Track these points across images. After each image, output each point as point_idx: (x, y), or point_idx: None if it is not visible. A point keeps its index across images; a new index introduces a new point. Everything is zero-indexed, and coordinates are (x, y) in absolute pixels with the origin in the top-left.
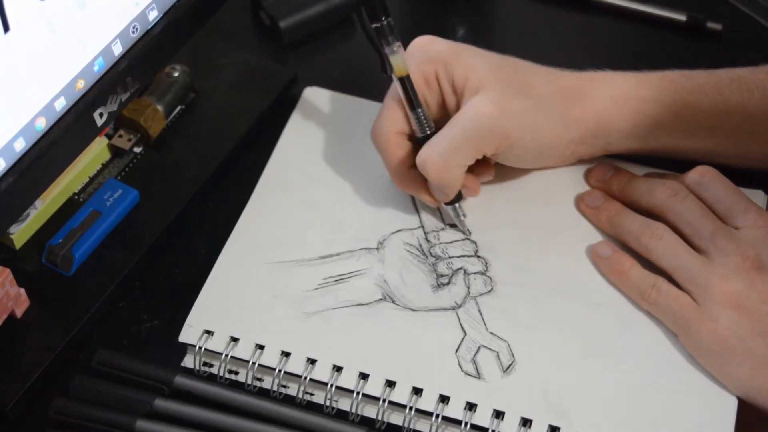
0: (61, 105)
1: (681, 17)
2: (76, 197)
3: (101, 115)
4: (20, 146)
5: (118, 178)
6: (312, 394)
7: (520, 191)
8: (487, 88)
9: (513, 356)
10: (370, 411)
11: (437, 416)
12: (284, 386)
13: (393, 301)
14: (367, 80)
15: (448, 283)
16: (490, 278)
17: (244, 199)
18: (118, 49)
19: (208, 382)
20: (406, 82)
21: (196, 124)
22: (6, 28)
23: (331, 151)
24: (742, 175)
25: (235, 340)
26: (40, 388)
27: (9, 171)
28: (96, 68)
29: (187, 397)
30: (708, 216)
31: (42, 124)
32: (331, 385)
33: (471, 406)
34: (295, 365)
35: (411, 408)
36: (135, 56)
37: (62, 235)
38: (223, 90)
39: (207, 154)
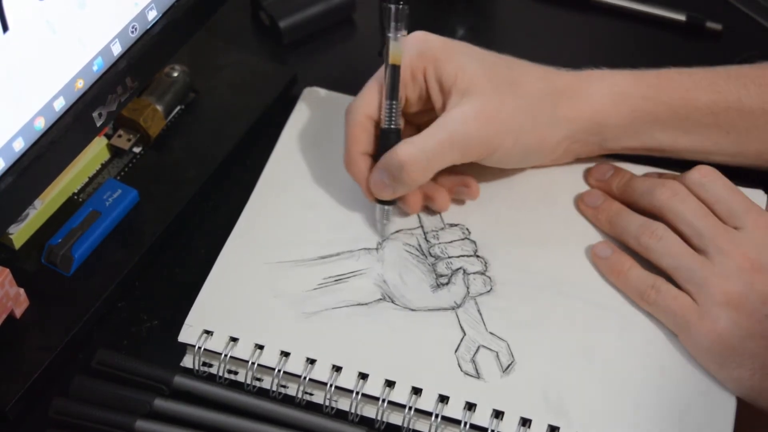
0: (60, 105)
1: (680, 17)
2: (75, 197)
3: (100, 115)
4: (19, 146)
5: (118, 178)
6: (311, 394)
7: (520, 191)
8: (474, 91)
9: (512, 356)
10: (369, 411)
11: (437, 416)
12: (284, 386)
13: (392, 301)
14: (367, 80)
15: (447, 283)
16: (490, 278)
17: (244, 199)
18: (117, 49)
19: (207, 382)
20: (395, 70)
21: (195, 124)
22: (5, 28)
23: (331, 151)
24: (742, 176)
25: (234, 340)
26: (40, 388)
27: (8, 171)
28: (95, 68)
29: (186, 397)
30: (708, 216)
31: (41, 124)
32: (331, 385)
33: (470, 406)
34: (295, 365)
35: (410, 408)
36: (134, 56)
37: (62, 235)
38: (223, 90)
39: (207, 154)
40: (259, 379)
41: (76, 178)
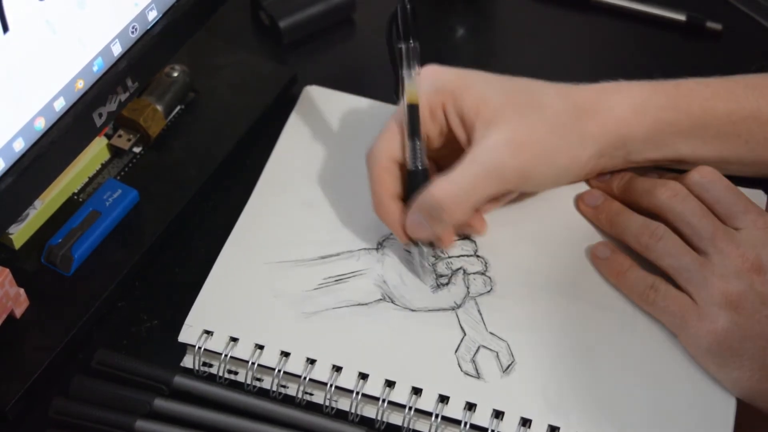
0: (60, 105)
1: (681, 17)
2: (75, 197)
3: (100, 115)
4: (19, 146)
5: (118, 178)
6: (311, 394)
7: None
8: (500, 120)
9: (512, 356)
10: (369, 411)
11: (437, 416)
12: (284, 386)
13: (392, 302)
14: (367, 80)
15: (447, 283)
16: (490, 278)
17: (244, 199)
18: (117, 50)
19: (207, 382)
20: (414, 110)
21: (195, 124)
22: (5, 29)
23: (331, 150)
24: (744, 177)
25: (234, 340)
26: (40, 388)
27: (8, 171)
28: (95, 68)
29: (186, 397)
30: (708, 216)
31: (41, 124)
32: (331, 385)
33: (470, 406)
34: (295, 365)
35: (410, 408)
36: (134, 56)
37: (62, 235)
38: (223, 90)
39: (206, 154)
40: (259, 379)
41: (76, 178)
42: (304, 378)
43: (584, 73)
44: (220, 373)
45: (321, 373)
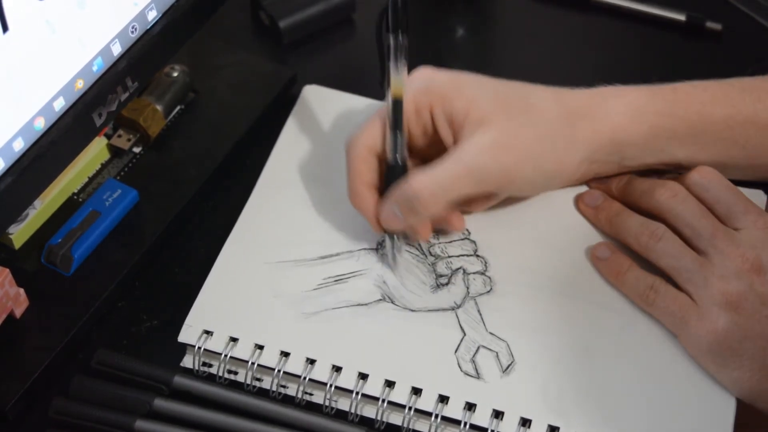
0: (60, 105)
1: (680, 17)
2: (75, 197)
3: (100, 115)
4: (19, 146)
5: (118, 178)
6: (311, 394)
7: None
8: (488, 122)
9: (512, 356)
10: (369, 411)
11: (436, 416)
12: (283, 386)
13: (392, 302)
14: (367, 80)
15: (447, 283)
16: (490, 278)
17: (244, 199)
18: (117, 49)
19: (207, 382)
20: (397, 103)
21: (195, 123)
22: (5, 28)
23: (331, 150)
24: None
25: (234, 340)
26: (40, 388)
27: (8, 171)
28: (95, 68)
29: (186, 397)
30: (708, 217)
31: (41, 124)
32: (331, 385)
33: (470, 406)
34: (295, 365)
35: (410, 408)
36: (134, 56)
37: (61, 235)
38: (223, 90)
39: (206, 153)
40: (259, 379)
41: (76, 178)
42: (304, 378)
43: (584, 73)
44: (220, 373)
45: (321, 373)
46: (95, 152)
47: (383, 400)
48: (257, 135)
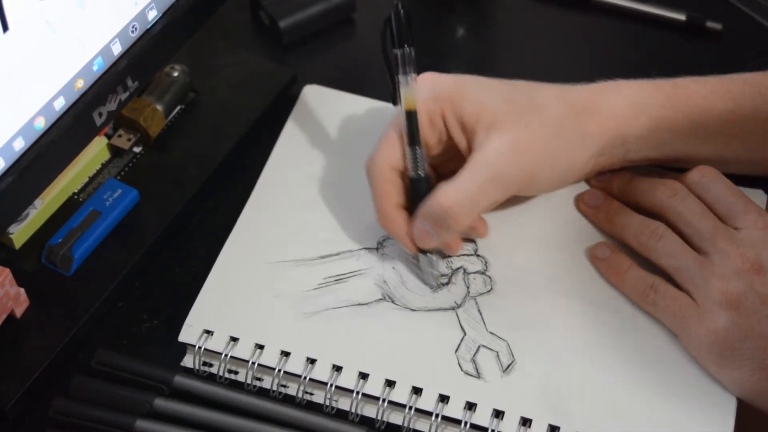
0: (60, 104)
1: (681, 17)
2: (75, 197)
3: (100, 114)
4: (19, 146)
5: (118, 177)
6: (312, 394)
7: None
8: (501, 125)
9: (512, 356)
10: (369, 411)
11: (437, 416)
12: (284, 386)
13: (392, 301)
14: (367, 80)
15: (447, 283)
16: (490, 278)
17: (244, 198)
18: (117, 49)
19: (207, 381)
20: (412, 116)
21: (195, 123)
22: (5, 28)
23: (331, 149)
24: (742, 176)
25: (234, 339)
26: (40, 388)
27: (8, 170)
28: (95, 68)
29: (186, 397)
30: (708, 216)
31: (41, 124)
32: (331, 385)
33: (471, 406)
34: (295, 365)
35: (411, 408)
36: (134, 56)
37: (62, 234)
38: (223, 90)
39: (206, 153)
40: (259, 379)
41: (76, 177)
42: (305, 378)
43: (584, 73)
44: (221, 373)
45: (321, 372)
46: (95, 152)
47: (384, 400)
48: (257, 135)
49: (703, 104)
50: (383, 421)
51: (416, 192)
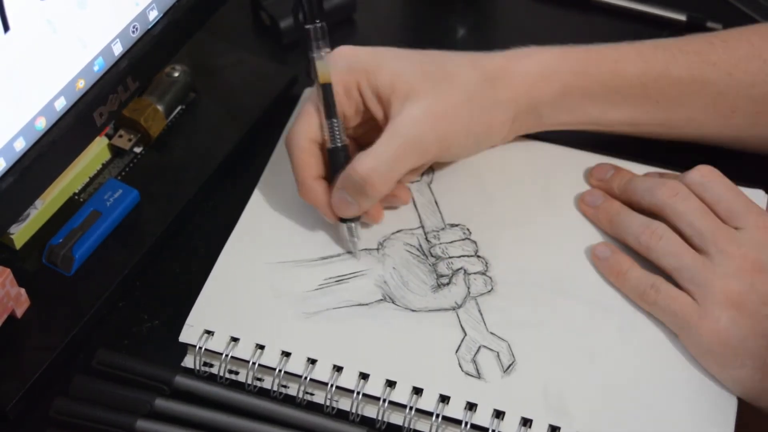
0: (61, 105)
1: (681, 17)
2: (76, 197)
3: (101, 114)
4: (20, 146)
5: (119, 178)
6: (312, 394)
7: (521, 191)
8: (415, 93)
9: (513, 356)
10: (370, 411)
11: (437, 416)
12: (284, 386)
13: (393, 302)
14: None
15: (448, 284)
16: (491, 278)
17: (244, 199)
18: (118, 49)
19: (208, 382)
20: (327, 89)
21: (196, 124)
22: (6, 28)
23: None
24: (743, 176)
25: (235, 340)
26: (41, 388)
27: (9, 171)
28: (96, 68)
29: (187, 397)
30: (709, 216)
31: (42, 124)
32: (332, 385)
33: (471, 406)
34: (296, 365)
35: (411, 408)
36: (135, 56)
37: (62, 235)
38: (223, 90)
39: (207, 154)
40: (259, 379)
41: (76, 178)
42: (305, 378)
43: None
44: (221, 373)
45: (322, 373)
46: (96, 152)
47: (384, 400)
48: (258, 135)
49: (614, 68)
50: (384, 422)
51: (335, 162)
